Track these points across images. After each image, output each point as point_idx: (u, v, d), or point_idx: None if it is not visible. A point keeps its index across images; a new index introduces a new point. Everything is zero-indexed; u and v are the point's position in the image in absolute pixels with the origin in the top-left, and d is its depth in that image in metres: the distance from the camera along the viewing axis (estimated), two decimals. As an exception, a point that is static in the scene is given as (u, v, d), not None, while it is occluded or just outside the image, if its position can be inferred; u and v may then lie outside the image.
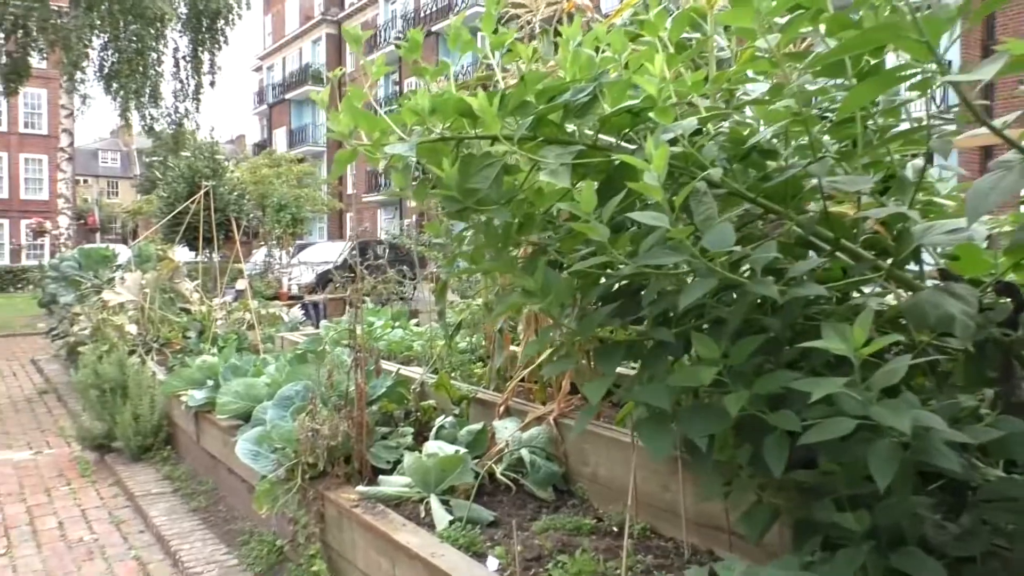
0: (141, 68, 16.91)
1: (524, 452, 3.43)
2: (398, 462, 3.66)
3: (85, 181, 53.95)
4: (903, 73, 1.75)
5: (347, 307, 10.76)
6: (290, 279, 11.99)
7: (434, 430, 3.61)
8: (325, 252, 18.63)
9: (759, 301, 2.00)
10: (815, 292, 1.80)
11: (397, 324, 6.32)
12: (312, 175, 27.15)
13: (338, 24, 43.14)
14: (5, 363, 10.71)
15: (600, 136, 2.11)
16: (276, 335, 6.73)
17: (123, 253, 10.63)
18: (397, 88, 36.73)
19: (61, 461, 5.77)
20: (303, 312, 8.29)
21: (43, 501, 4.86)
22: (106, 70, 17.63)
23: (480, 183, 2.09)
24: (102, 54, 17.43)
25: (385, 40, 37.91)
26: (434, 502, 3.12)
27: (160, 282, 7.43)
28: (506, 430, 3.66)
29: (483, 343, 5.06)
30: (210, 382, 4.91)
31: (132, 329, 6.89)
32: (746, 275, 1.89)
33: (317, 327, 9.31)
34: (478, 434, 3.61)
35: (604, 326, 2.06)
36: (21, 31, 16.14)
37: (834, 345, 1.75)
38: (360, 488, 3.27)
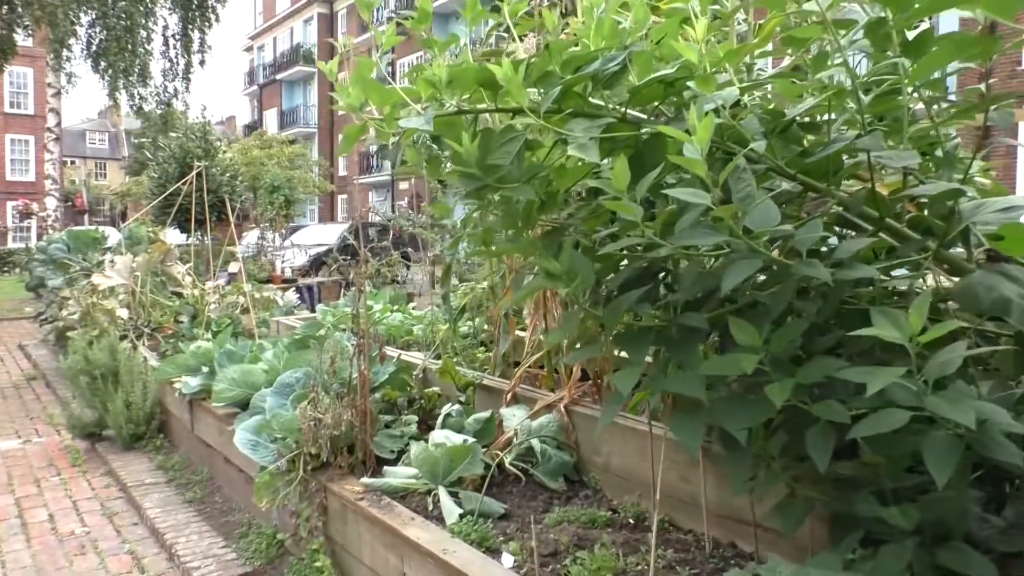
0: (130, 46, 16.56)
1: (534, 441, 3.31)
2: (403, 452, 3.54)
3: (73, 162, 53.40)
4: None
5: (342, 290, 10.61)
6: (283, 262, 11.81)
7: (440, 418, 3.48)
8: (318, 235, 18.44)
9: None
10: (866, 275, 1.68)
11: (396, 308, 6.18)
12: (303, 156, 26.84)
13: (330, 3, 42.64)
14: (-7, 348, 10.52)
15: (628, 110, 1.96)
16: (271, 319, 6.58)
17: (112, 235, 10.44)
18: (390, 69, 36.32)
19: (51, 450, 5.62)
20: (298, 296, 8.13)
21: (32, 492, 4.72)
22: (94, 48, 17.28)
23: (501, 159, 1.95)
24: (90, 31, 17.08)
25: (377, 20, 37.43)
26: (443, 494, 2.99)
27: (151, 265, 7.24)
28: (514, 418, 3.54)
29: (485, 327, 4.93)
30: (205, 368, 4.76)
31: (123, 313, 6.72)
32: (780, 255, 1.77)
33: (312, 311, 9.16)
34: (486, 422, 3.48)
35: (631, 311, 1.93)
36: (5, 7, 15.78)
37: (888, 333, 1.63)
38: (365, 480, 3.14)
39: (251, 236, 17.53)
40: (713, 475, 2.75)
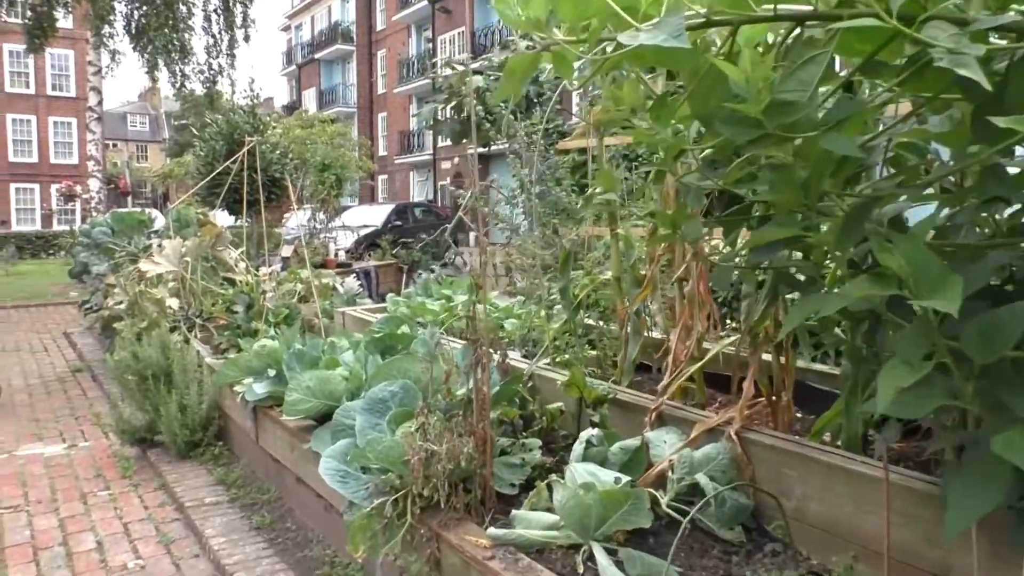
0: (171, 22, 16.02)
1: (702, 479, 2.59)
2: (525, 486, 2.86)
3: (114, 145, 53.73)
4: None
5: (403, 275, 9.95)
6: (336, 245, 11.22)
7: (580, 446, 2.76)
8: (364, 215, 17.87)
9: None
10: None
11: (476, 298, 5.47)
12: (345, 135, 26.24)
13: (368, -20, 41.88)
14: (36, 336, 10.08)
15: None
16: (336, 311, 5.93)
17: (158, 218, 9.91)
18: (430, 46, 35.54)
19: (98, 457, 5.05)
20: (359, 282, 7.48)
21: (79, 512, 4.13)
22: (133, 25, 16.75)
23: (797, 93, 1.21)
24: (130, 7, 16.54)
25: (417, -6, 36.61)
26: (601, 555, 2.29)
27: (202, 250, 6.64)
28: (666, 445, 2.83)
29: (588, 322, 4.21)
30: (271, 371, 4.12)
31: (173, 303, 6.12)
32: None
33: (373, 298, 8.52)
34: (635, 453, 2.76)
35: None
36: (46, -17, 15.32)
37: None
38: (493, 531, 2.45)
39: (295, 218, 17.02)
40: (987, 542, 2.00)
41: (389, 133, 41.55)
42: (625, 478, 2.54)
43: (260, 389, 4.00)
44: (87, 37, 17.55)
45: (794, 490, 2.52)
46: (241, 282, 6.85)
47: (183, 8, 16.80)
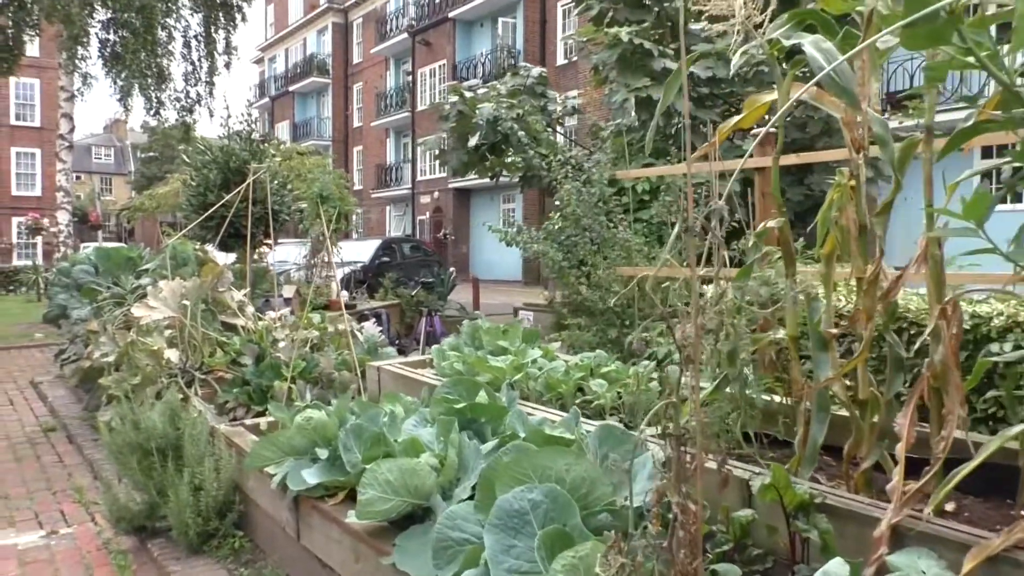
0: (149, 46, 15.13)
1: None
2: (728, 635, 2.05)
3: (79, 177, 52.23)
4: None
5: (419, 317, 9.09)
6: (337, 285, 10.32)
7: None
8: (351, 251, 16.97)
9: None
10: None
11: (538, 351, 4.66)
12: (323, 167, 25.38)
13: (344, 13, 41.43)
14: None
15: None
16: (368, 365, 5.08)
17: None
18: (410, 79, 34.98)
19: (86, 549, 4.10)
20: (380, 328, 6.62)
21: (69, 637, 3.20)
22: (109, 50, 15.84)
23: None
24: (106, 31, 15.62)
25: (396, 28, 36.18)
26: None
27: (203, 292, 5.75)
28: (923, 577, 2.04)
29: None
30: (321, 452, 3.25)
31: (172, 355, 5.21)
32: None
33: (394, 344, 7.66)
34: (900, 595, 1.96)
35: None
36: (15, 4, 14.36)
37: None
38: None
39: (277, 253, 16.05)
40: None
41: (365, 167, 40.81)
42: (922, 646, 1.74)
43: (311, 477, 3.13)
44: (58, 62, 16.53)
45: None
46: (246, 328, 5.97)
47: (162, 33, 15.94)
